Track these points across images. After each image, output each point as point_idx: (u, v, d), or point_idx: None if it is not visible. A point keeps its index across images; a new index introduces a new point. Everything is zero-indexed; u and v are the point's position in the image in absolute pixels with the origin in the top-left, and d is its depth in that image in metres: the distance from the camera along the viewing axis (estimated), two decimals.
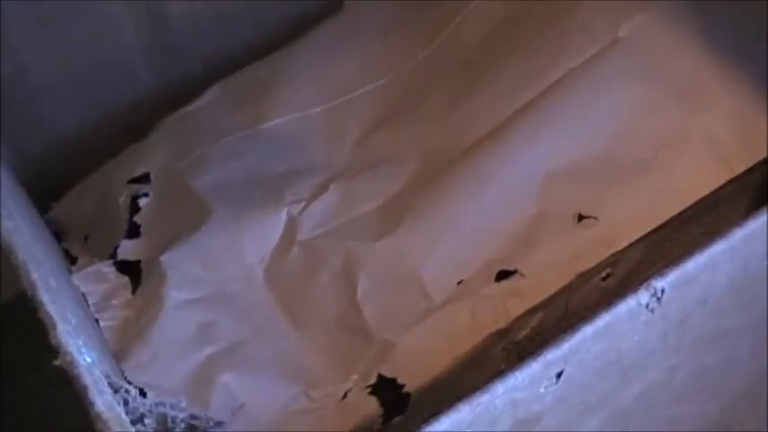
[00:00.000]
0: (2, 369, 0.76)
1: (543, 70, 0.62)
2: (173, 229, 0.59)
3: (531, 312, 0.54)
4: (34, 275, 0.44)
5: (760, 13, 0.61)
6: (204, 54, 0.69)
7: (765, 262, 0.49)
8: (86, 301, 0.56)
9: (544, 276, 0.55)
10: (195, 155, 0.63)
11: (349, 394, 0.53)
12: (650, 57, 0.61)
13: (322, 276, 0.57)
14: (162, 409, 0.49)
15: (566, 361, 0.43)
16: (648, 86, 0.60)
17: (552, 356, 0.42)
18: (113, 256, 0.59)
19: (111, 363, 0.52)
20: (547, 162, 0.58)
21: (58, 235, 0.62)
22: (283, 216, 0.59)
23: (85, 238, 0.61)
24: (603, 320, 0.43)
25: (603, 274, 0.55)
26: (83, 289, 0.56)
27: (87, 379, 0.41)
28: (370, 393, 0.53)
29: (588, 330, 0.43)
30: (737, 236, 0.45)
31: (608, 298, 0.45)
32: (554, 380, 0.43)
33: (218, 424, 0.52)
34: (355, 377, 0.54)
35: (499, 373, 0.42)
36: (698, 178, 0.57)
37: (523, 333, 0.54)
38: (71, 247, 0.61)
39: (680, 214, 0.56)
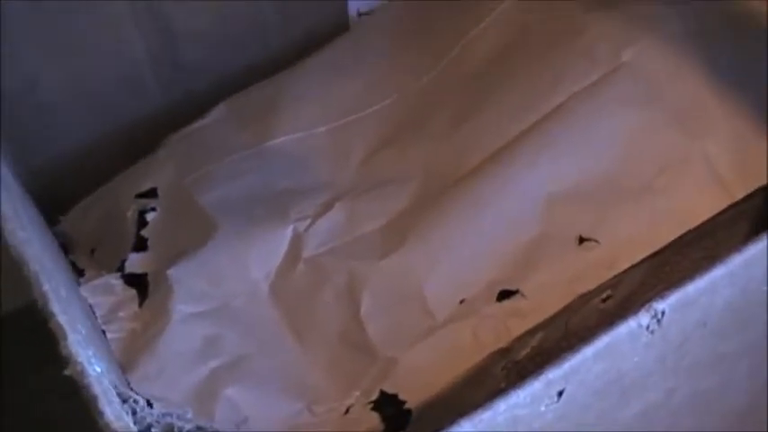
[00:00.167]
0: (3, 379, 0.76)
1: (546, 94, 0.62)
2: (179, 244, 0.59)
3: (531, 332, 0.54)
4: (46, 286, 0.44)
5: (760, 41, 0.62)
6: (211, 72, 0.70)
7: (764, 287, 0.49)
8: (94, 313, 0.56)
9: (545, 297, 0.55)
10: (201, 172, 0.64)
11: (351, 410, 0.54)
12: (652, 82, 0.61)
13: (326, 293, 0.58)
14: (169, 420, 0.49)
15: (567, 380, 0.43)
16: (650, 111, 0.60)
17: (554, 375, 0.43)
18: (121, 268, 0.59)
19: (118, 373, 0.52)
20: (549, 184, 0.59)
21: (65, 247, 0.62)
22: (289, 233, 0.60)
23: (92, 251, 0.62)
24: (604, 341, 0.44)
25: (604, 295, 0.55)
26: (91, 301, 0.57)
27: (97, 389, 0.42)
28: (372, 409, 0.53)
29: (589, 350, 0.43)
30: (737, 261, 0.46)
31: (608, 319, 0.45)
32: (555, 398, 0.44)
33: None
34: (357, 393, 0.54)
35: (499, 392, 0.42)
36: (699, 201, 0.57)
37: (524, 352, 0.54)
38: (78, 259, 0.61)
39: (680, 238, 0.56)
